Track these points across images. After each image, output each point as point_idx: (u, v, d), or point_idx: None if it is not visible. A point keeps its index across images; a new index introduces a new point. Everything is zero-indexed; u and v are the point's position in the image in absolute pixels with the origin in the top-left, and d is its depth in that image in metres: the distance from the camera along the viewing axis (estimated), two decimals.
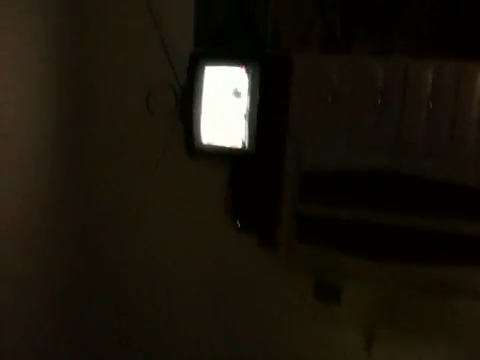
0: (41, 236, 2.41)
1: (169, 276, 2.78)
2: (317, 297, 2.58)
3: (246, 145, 2.51)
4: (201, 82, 2.54)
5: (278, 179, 2.49)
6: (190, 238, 2.73)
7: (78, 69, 2.54)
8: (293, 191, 2.46)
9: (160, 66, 2.64)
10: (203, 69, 2.53)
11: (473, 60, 2.27)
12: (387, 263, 2.38)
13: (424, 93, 2.26)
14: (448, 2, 2.35)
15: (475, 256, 2.29)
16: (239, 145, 2.52)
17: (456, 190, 2.26)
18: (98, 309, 2.85)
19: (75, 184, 2.59)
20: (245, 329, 2.70)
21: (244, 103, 2.49)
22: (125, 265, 2.84)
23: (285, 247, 2.51)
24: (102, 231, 2.81)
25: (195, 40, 2.66)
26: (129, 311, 2.87)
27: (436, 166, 2.27)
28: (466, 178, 2.24)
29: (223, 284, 2.70)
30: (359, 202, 2.39)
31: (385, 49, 2.44)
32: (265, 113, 2.47)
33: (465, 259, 2.31)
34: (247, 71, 2.48)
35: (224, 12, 2.67)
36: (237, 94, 2.51)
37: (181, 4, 2.66)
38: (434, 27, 2.37)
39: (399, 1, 2.40)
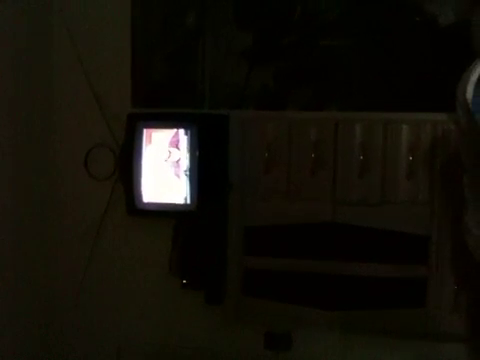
0: None
1: (116, 337, 2.71)
2: (268, 347, 2.58)
3: (188, 202, 2.53)
4: (140, 142, 2.55)
5: (221, 234, 2.51)
6: (136, 298, 2.69)
7: (17, 133, 2.51)
8: (237, 245, 2.49)
9: (97, 127, 2.65)
10: (141, 129, 2.56)
11: (399, 112, 2.41)
12: (334, 310, 2.44)
13: (354, 145, 2.38)
14: (376, 57, 2.51)
15: (416, 298, 2.37)
16: (181, 203, 2.54)
17: (392, 236, 2.36)
18: None
19: (16, 249, 2.52)
20: None
21: (184, 161, 2.53)
22: (73, 327, 2.75)
23: (232, 301, 2.51)
24: (46, 296, 2.73)
25: (132, 100, 2.70)
26: None
27: (371, 214, 2.37)
28: (399, 224, 2.35)
29: (172, 342, 2.66)
30: (301, 252, 2.45)
31: (317, 104, 2.56)
32: (205, 170, 2.51)
33: (407, 301, 2.39)
34: (185, 130, 2.53)
35: (161, 72, 2.73)
36: (177, 152, 2.55)
37: (118, 64, 2.69)
38: (363, 81, 2.52)
39: (330, 58, 2.54)
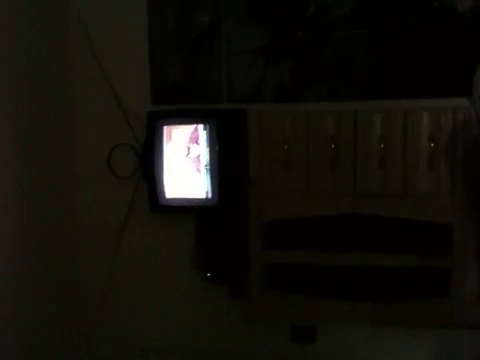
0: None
1: (141, 332, 2.75)
2: (293, 339, 2.60)
3: (209, 198, 2.55)
4: (160, 140, 2.59)
5: (244, 229, 2.52)
6: (161, 294, 2.72)
7: (39, 135, 2.57)
8: (259, 240, 2.50)
9: (118, 127, 2.69)
10: (161, 127, 2.59)
11: (418, 100, 2.40)
12: (356, 301, 2.43)
13: (374, 135, 2.36)
14: (394, 46, 2.48)
15: (440, 288, 2.35)
16: (203, 198, 2.56)
17: (414, 226, 2.34)
18: None
19: (40, 249, 2.59)
20: None
21: (204, 157, 2.55)
22: (99, 322, 2.80)
23: (256, 296, 2.52)
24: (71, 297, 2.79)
25: (152, 99, 2.73)
26: None
27: (392, 205, 2.35)
28: (422, 214, 2.32)
29: (197, 337, 2.69)
30: (323, 245, 2.44)
31: (335, 95, 2.55)
32: (226, 165, 2.53)
33: (431, 291, 2.37)
34: (204, 125, 2.55)
35: (179, 69, 2.76)
36: (196, 148, 2.57)
37: (136, 64, 2.73)
38: (380, 71, 2.50)
39: (345, 49, 2.53)
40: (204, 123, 2.54)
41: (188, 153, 2.59)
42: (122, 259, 2.72)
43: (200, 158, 2.56)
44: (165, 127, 2.59)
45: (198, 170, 2.57)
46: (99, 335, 2.80)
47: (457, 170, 2.28)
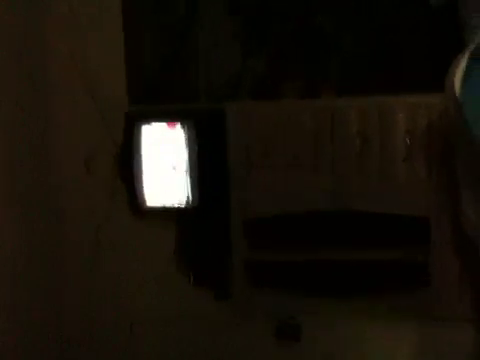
0: None
1: (126, 339, 2.75)
2: (278, 338, 2.61)
3: (190, 199, 2.53)
4: (138, 141, 2.56)
5: (225, 229, 2.52)
6: (145, 298, 2.72)
7: (15, 139, 2.54)
8: (241, 240, 2.50)
9: (96, 128, 2.67)
10: (139, 128, 2.56)
11: (395, 95, 2.40)
12: (340, 297, 2.45)
13: (351, 131, 2.37)
14: (369, 43, 2.50)
15: (420, 280, 2.38)
16: (183, 199, 2.54)
17: (393, 220, 2.36)
18: None
19: (23, 251, 2.56)
20: None
21: (184, 157, 2.54)
22: (82, 330, 2.79)
23: (240, 296, 2.53)
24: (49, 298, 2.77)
25: (129, 98, 2.71)
26: None
27: (371, 200, 2.37)
28: (400, 208, 2.34)
29: (184, 341, 2.69)
30: (305, 243, 2.46)
31: (313, 92, 2.56)
32: (205, 165, 2.51)
33: (411, 284, 2.40)
34: (183, 125, 2.53)
35: (156, 68, 2.74)
36: (175, 149, 2.55)
37: (112, 64, 2.70)
38: (358, 66, 2.51)
39: (323, 46, 2.54)
40: (182, 123, 2.52)
41: (167, 154, 2.57)
42: (103, 263, 2.70)
43: (179, 159, 2.55)
44: (143, 128, 2.57)
45: (177, 171, 2.55)
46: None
47: (433, 165, 2.31)
